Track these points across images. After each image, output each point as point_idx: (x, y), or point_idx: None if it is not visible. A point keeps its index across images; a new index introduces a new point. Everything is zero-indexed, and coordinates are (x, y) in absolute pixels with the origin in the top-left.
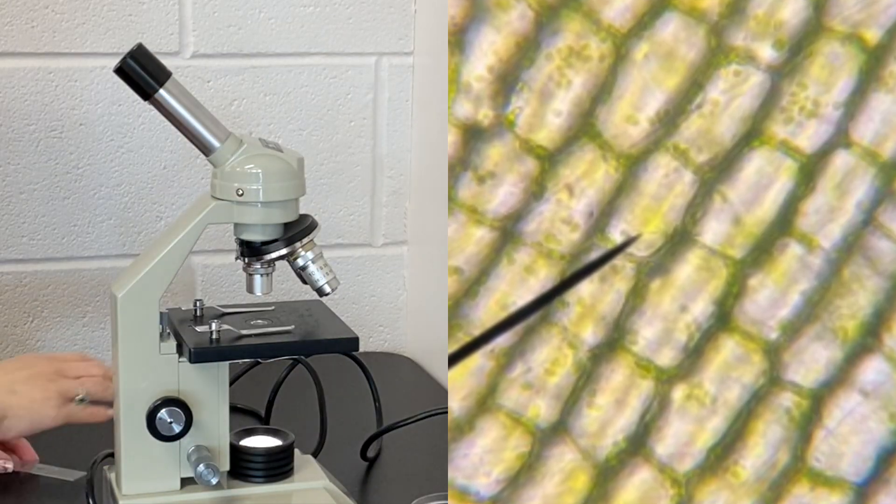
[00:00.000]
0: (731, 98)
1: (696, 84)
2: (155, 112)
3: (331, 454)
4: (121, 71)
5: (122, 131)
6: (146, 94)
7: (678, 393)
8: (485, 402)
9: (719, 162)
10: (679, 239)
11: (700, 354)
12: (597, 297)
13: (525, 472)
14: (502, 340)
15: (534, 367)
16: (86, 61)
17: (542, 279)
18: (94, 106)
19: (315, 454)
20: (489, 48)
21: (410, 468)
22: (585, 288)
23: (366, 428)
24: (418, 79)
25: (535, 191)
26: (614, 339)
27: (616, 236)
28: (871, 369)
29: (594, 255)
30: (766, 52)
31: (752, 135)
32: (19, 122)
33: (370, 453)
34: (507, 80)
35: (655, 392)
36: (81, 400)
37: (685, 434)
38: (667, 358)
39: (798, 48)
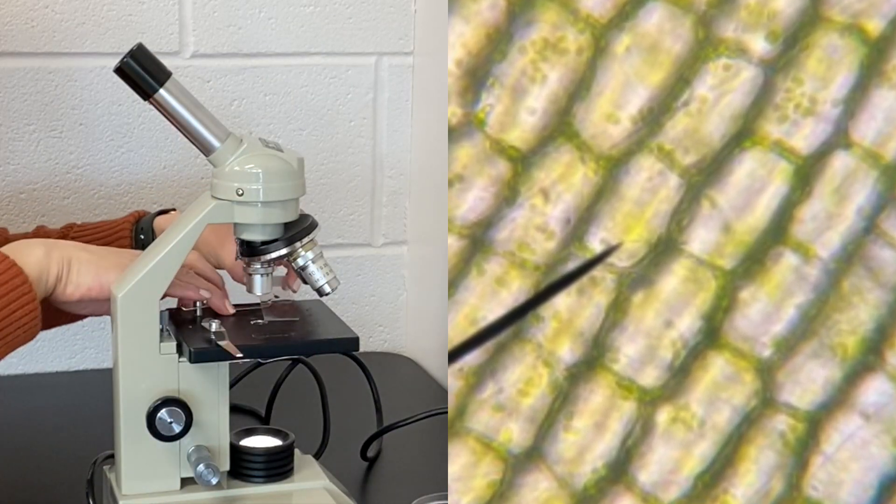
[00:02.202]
0: (720, 95)
1: (682, 79)
2: (155, 112)
3: (331, 454)
4: (121, 71)
5: (122, 131)
6: (146, 94)
7: (663, 415)
8: (453, 425)
9: (707, 164)
10: (664, 248)
11: (686, 373)
12: (574, 311)
13: (496, 501)
14: (471, 359)
15: (506, 387)
16: (86, 61)
17: (514, 292)
18: (94, 106)
19: (317, 455)
20: (457, 40)
21: (410, 468)
22: (562, 301)
23: (366, 428)
24: (418, 79)
25: (508, 195)
26: (593, 357)
27: (595, 245)
28: (873, 390)
29: (571, 265)
30: (759, 45)
31: (743, 135)
32: (19, 122)
33: (370, 453)
34: (476, 75)
35: (638, 414)
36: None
37: (670, 460)
38: (650, 377)
39: (793, 40)
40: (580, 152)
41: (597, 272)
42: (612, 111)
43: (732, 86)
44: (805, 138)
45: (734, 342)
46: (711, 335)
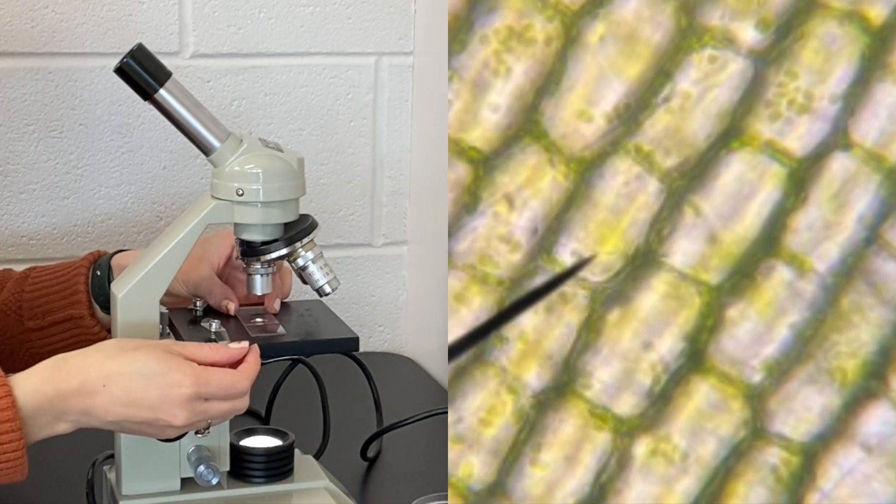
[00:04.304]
0: (705, 89)
1: (662, 72)
2: (155, 112)
3: (331, 454)
4: (121, 71)
5: (122, 131)
6: (146, 94)
7: (641, 447)
8: None
9: (691, 167)
10: (642, 261)
11: (667, 401)
12: (542, 331)
13: None
14: None
15: (466, 416)
16: (86, 61)
17: (475, 310)
18: (94, 106)
19: (318, 455)
20: None
21: (410, 468)
22: (528, 320)
23: (366, 428)
24: (418, 79)
25: (468, 202)
26: (563, 383)
27: (565, 257)
28: (875, 419)
29: (539, 280)
30: (748, 34)
31: (730, 134)
32: (19, 122)
33: (370, 453)
34: None
35: (613, 446)
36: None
37: (650, 497)
38: (627, 405)
39: (787, 29)
40: (549, 154)
41: (567, 288)
42: (585, 108)
43: (719, 80)
44: (800, 138)
45: (721, 366)
46: (695, 358)
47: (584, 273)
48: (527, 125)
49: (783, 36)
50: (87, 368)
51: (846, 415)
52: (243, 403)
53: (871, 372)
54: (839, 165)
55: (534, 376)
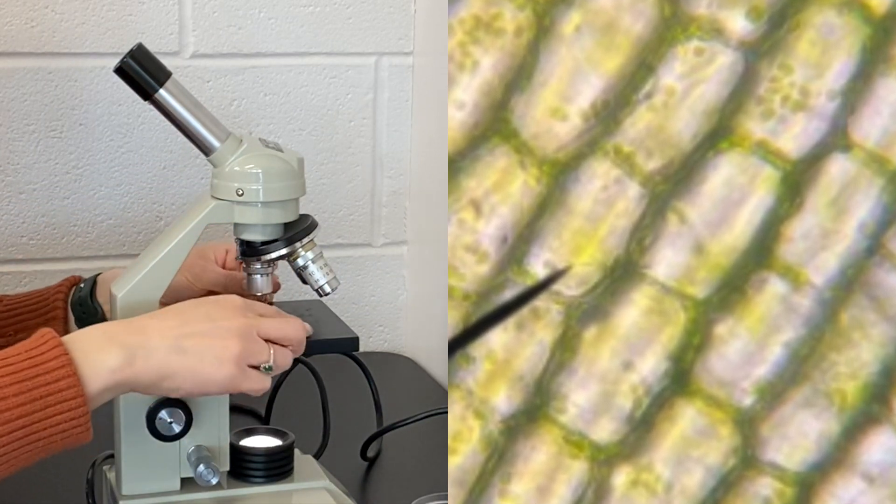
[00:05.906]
0: (690, 85)
1: (644, 66)
2: (155, 112)
3: (331, 454)
4: (121, 71)
5: (122, 131)
6: (146, 94)
7: (621, 477)
8: None
9: (675, 170)
10: (622, 273)
11: (650, 427)
12: (512, 350)
13: None
14: None
15: None
16: (86, 61)
17: None
18: (94, 106)
19: (317, 455)
20: None
21: (410, 468)
22: (497, 338)
23: (366, 428)
24: (418, 79)
25: None
26: (536, 407)
27: (538, 269)
28: (878, 446)
29: (509, 293)
30: (738, 24)
31: (719, 134)
32: (19, 122)
33: (370, 453)
34: None
35: (590, 476)
36: (267, 369)
37: None
38: (605, 431)
39: (781, 18)
40: (519, 155)
41: (540, 302)
42: (559, 105)
43: (706, 74)
44: (795, 138)
45: (708, 388)
46: (680, 379)
47: (559, 286)
48: (495, 124)
49: (777, 26)
50: (132, 316)
51: (846, 442)
52: (300, 333)
53: (873, 395)
54: (838, 168)
55: (503, 399)
